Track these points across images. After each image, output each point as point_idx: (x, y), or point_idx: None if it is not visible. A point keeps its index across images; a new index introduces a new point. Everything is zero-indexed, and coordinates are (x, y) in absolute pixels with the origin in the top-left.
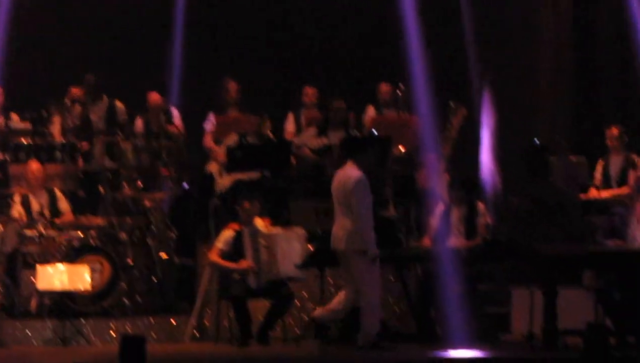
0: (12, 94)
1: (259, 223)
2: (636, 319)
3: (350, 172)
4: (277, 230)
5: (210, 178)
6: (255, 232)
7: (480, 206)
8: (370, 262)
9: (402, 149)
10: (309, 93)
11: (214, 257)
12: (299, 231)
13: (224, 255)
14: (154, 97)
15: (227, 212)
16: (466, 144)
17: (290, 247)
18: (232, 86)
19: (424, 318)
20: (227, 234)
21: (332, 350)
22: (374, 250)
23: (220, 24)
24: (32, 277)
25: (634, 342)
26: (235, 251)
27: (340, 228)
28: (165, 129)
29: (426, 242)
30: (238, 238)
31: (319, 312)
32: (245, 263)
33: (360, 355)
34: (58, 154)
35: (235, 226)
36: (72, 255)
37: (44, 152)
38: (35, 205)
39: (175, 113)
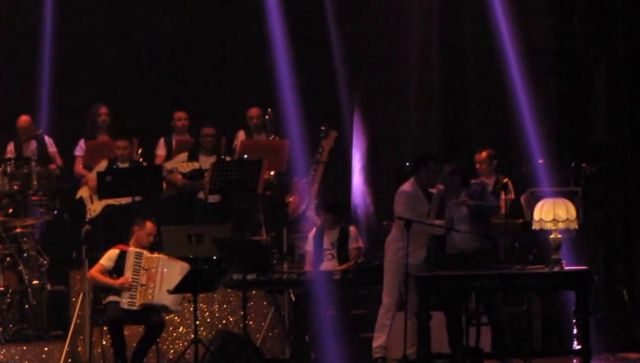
0: None
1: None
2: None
3: (401, 188)
4: (160, 256)
5: (81, 204)
6: (139, 254)
7: (352, 230)
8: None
9: (272, 173)
10: (180, 117)
11: (93, 271)
12: (184, 264)
13: (105, 272)
14: (23, 119)
15: (99, 237)
16: (338, 168)
17: (171, 276)
18: (103, 111)
19: (298, 343)
20: (112, 252)
21: None
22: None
23: (88, 48)
24: None
25: None
26: (115, 269)
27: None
28: (38, 155)
29: (302, 266)
30: (121, 257)
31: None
32: (122, 279)
33: None
34: None
35: (123, 247)
36: None
37: None
38: None
39: (49, 140)
